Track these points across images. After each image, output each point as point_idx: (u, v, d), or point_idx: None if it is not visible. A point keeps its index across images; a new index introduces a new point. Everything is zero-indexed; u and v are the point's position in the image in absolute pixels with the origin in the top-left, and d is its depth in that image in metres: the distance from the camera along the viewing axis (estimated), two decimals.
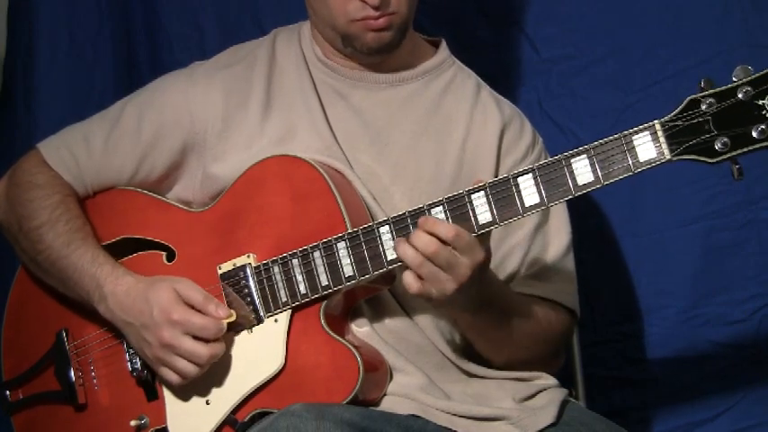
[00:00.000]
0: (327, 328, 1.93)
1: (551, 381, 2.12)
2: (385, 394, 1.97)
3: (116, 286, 2.02)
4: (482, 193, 1.85)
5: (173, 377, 1.98)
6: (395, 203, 2.06)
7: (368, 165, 2.09)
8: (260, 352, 1.97)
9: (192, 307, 1.97)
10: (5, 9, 2.97)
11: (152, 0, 2.85)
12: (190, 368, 1.96)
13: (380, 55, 2.10)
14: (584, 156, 1.80)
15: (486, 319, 2.00)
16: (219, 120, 2.10)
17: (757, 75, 1.72)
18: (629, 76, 2.59)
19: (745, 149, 1.72)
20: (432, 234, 1.82)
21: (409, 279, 1.85)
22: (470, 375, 2.07)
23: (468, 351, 2.09)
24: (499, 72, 2.59)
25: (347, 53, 2.12)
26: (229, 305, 2.00)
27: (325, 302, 1.94)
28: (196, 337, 1.96)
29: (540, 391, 2.08)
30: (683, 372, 2.59)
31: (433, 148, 2.12)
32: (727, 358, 2.55)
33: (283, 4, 2.70)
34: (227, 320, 1.97)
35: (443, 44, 2.24)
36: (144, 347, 2.00)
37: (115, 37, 2.88)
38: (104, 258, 2.06)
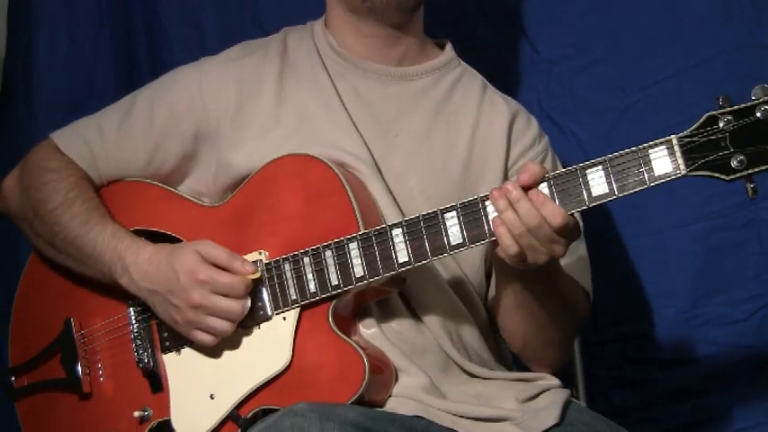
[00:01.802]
0: (335, 328, 1.93)
1: (554, 381, 2.12)
2: (390, 395, 1.97)
3: (138, 256, 2.02)
4: None
5: (207, 338, 1.98)
6: (408, 191, 2.08)
7: (381, 155, 2.10)
8: (267, 349, 1.96)
9: (218, 266, 1.97)
10: (5, 9, 2.97)
11: (152, 0, 2.85)
12: (224, 325, 1.96)
13: (399, 14, 2.13)
14: (600, 167, 1.80)
15: (550, 286, 2.00)
16: (233, 108, 2.11)
17: None
18: (629, 76, 2.60)
19: (762, 168, 1.72)
20: (539, 211, 1.81)
21: (507, 242, 1.83)
22: (474, 376, 2.07)
23: (472, 352, 2.09)
24: (499, 72, 2.59)
25: (364, 12, 2.13)
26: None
27: (334, 302, 1.94)
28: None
29: (543, 392, 2.07)
30: (683, 372, 2.59)
31: (443, 139, 2.14)
32: (727, 358, 2.56)
33: (283, 4, 2.71)
34: (253, 276, 1.96)
35: (449, 45, 2.27)
36: (173, 313, 2.00)
37: (115, 37, 2.88)
38: (124, 232, 2.07)
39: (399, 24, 2.16)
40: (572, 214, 1.83)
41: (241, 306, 1.96)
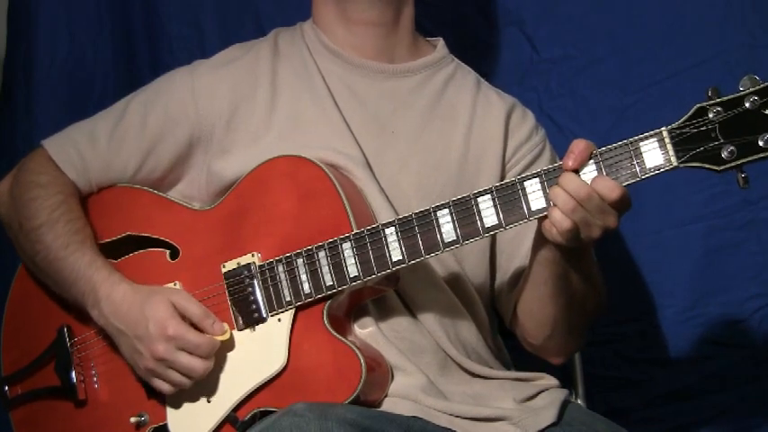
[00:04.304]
0: (330, 328, 1.92)
1: (552, 381, 2.12)
2: (386, 395, 1.96)
3: (111, 292, 2.02)
4: (488, 195, 1.85)
5: (165, 387, 1.99)
6: (403, 190, 2.08)
7: (376, 154, 2.09)
8: (262, 351, 1.96)
9: (189, 320, 1.97)
10: (5, 9, 2.97)
11: (152, 0, 2.86)
12: (183, 381, 1.96)
13: (383, 4, 2.13)
14: (592, 161, 1.80)
15: (588, 266, 1.99)
16: (227, 112, 2.11)
17: (765, 84, 1.71)
18: (629, 76, 2.59)
19: (752, 158, 1.72)
20: (595, 190, 1.78)
21: (558, 217, 1.80)
22: (472, 375, 2.06)
23: (470, 350, 2.09)
24: (499, 72, 2.60)
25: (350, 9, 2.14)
26: (233, 303, 2.00)
27: (328, 302, 1.93)
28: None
29: (541, 392, 2.07)
30: (683, 372, 2.59)
31: (438, 136, 2.14)
32: (727, 358, 2.56)
33: (283, 4, 2.71)
34: (222, 339, 1.97)
35: (442, 42, 2.27)
36: (136, 358, 2.00)
37: (115, 37, 2.88)
38: (102, 263, 2.06)
39: None
40: None
41: (203, 366, 1.95)
